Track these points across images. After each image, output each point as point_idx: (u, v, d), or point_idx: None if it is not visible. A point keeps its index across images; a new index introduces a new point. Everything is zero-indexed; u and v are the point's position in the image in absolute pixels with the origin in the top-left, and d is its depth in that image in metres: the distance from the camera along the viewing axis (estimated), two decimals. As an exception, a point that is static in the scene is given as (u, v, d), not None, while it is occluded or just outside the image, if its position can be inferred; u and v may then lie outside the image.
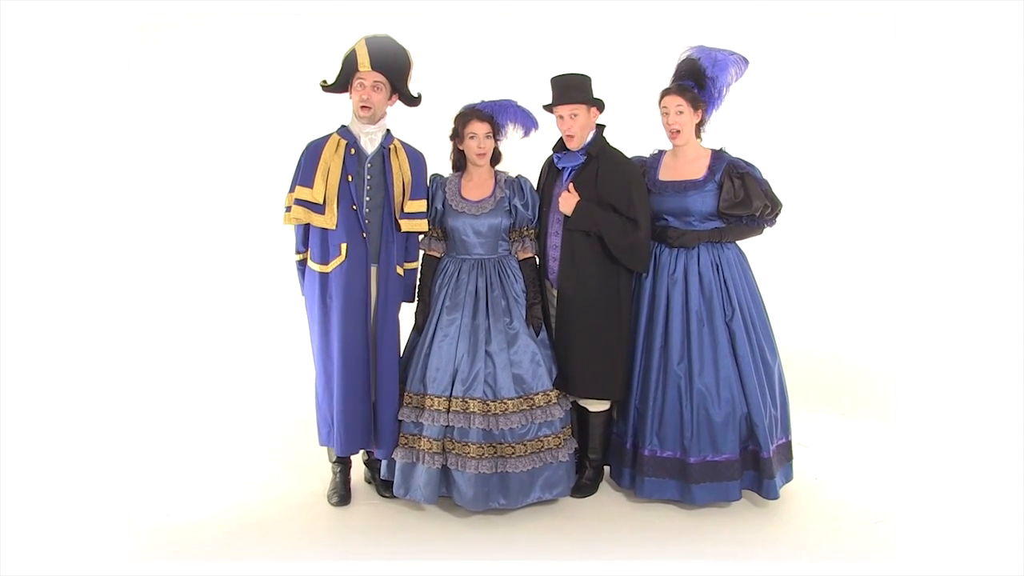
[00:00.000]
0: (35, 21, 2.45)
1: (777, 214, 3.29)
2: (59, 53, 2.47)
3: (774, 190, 3.26)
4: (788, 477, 3.36)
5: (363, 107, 3.09)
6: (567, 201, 3.20)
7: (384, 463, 3.32)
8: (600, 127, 3.30)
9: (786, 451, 3.35)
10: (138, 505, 3.26)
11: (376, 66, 3.06)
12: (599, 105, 3.23)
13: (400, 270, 3.26)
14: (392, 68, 3.10)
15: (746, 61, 3.25)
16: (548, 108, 3.25)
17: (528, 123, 3.32)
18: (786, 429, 3.35)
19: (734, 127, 3.49)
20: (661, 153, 3.39)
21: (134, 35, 2.69)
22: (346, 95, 3.17)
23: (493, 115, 3.23)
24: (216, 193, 5.11)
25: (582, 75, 3.21)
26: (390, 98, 3.17)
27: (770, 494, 3.20)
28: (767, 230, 3.36)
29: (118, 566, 2.56)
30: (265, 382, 4.74)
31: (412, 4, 4.58)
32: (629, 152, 3.35)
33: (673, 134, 3.23)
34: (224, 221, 5.13)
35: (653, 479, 3.23)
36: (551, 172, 3.36)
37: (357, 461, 3.49)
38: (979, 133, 2.54)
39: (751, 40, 3.57)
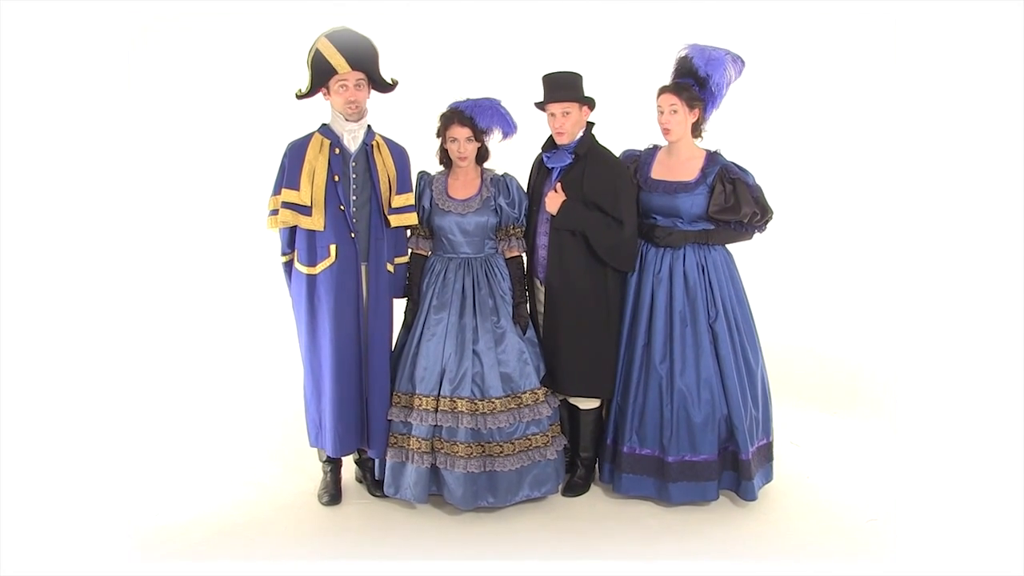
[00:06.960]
0: (35, 21, 2.45)
1: (767, 221, 3.28)
2: (58, 53, 2.46)
3: (766, 196, 3.24)
4: (768, 478, 3.37)
5: (351, 107, 3.07)
6: (553, 200, 3.20)
7: (377, 461, 3.32)
8: (590, 125, 3.26)
9: (767, 452, 3.36)
10: (130, 505, 3.26)
11: (355, 65, 3.03)
12: (590, 104, 3.21)
13: (390, 267, 3.25)
14: (368, 62, 3.08)
15: (742, 60, 3.22)
16: (540, 106, 3.22)
17: (506, 127, 3.24)
18: (767, 430, 3.35)
19: (728, 128, 3.47)
20: (656, 149, 3.36)
21: (130, 35, 2.68)
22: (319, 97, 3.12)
23: (474, 117, 3.18)
24: (209, 193, 5.09)
25: (574, 73, 3.18)
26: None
27: (748, 495, 3.22)
28: (758, 235, 3.34)
29: (110, 566, 2.57)
30: (256, 381, 4.73)
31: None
32: (622, 148, 3.33)
33: (665, 132, 3.21)
34: (218, 220, 5.12)
35: (630, 475, 3.27)
36: (541, 171, 3.35)
37: (347, 460, 3.50)
38: (971, 131, 2.54)
39: (748, 42, 3.53)
